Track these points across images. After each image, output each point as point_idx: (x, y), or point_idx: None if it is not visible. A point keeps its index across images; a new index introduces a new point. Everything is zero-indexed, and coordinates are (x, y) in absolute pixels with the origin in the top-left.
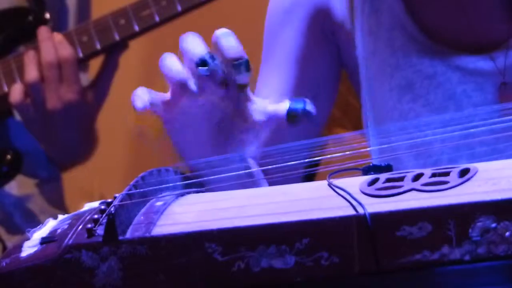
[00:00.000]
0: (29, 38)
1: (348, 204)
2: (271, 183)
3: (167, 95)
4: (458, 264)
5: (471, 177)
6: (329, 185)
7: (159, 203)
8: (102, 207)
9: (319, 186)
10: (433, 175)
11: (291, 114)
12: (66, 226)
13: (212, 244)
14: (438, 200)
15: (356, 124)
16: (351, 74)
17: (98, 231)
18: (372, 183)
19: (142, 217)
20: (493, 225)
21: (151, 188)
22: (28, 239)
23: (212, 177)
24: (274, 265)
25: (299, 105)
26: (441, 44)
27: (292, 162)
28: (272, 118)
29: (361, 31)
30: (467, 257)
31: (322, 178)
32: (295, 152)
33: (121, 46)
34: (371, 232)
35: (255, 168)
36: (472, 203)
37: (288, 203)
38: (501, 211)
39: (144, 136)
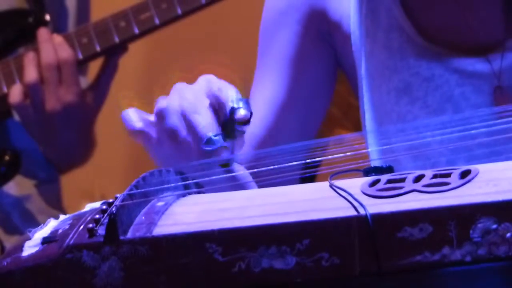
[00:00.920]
0: (29, 39)
1: (349, 205)
2: (269, 185)
3: (151, 117)
4: (459, 265)
5: (472, 178)
6: (331, 186)
7: (160, 204)
8: (104, 207)
9: (320, 187)
10: (434, 176)
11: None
12: (67, 226)
13: (212, 245)
14: (439, 201)
15: (357, 124)
16: (349, 75)
17: (99, 231)
18: (373, 184)
19: (143, 217)
20: (494, 226)
21: (152, 188)
22: (29, 239)
23: (206, 178)
24: (275, 265)
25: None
26: (439, 46)
27: (291, 163)
28: None
29: (359, 33)
30: (468, 258)
31: (323, 179)
32: (295, 153)
33: (121, 48)
34: (372, 233)
35: (240, 172)
36: (473, 204)
37: (289, 204)
38: (502, 212)
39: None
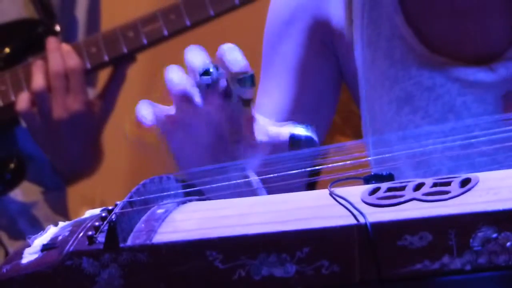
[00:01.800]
0: (39, 49)
1: (349, 213)
2: (273, 191)
3: (170, 109)
4: (458, 274)
5: (472, 187)
6: (330, 194)
7: (160, 211)
8: (103, 214)
9: (320, 195)
10: (434, 184)
11: (294, 141)
12: (67, 233)
13: (213, 252)
14: (439, 209)
15: (357, 131)
16: (350, 85)
17: (99, 239)
18: (373, 192)
19: (143, 225)
20: (494, 235)
21: (152, 195)
22: (28, 245)
23: (210, 186)
24: (275, 273)
25: (302, 133)
26: (441, 55)
27: (294, 171)
28: (274, 141)
29: (360, 42)
30: (467, 267)
31: (323, 186)
32: (297, 160)
33: (129, 58)
34: (372, 241)
35: (253, 178)
36: (473, 213)
37: (289, 212)
38: (502, 221)
39: (141, 143)
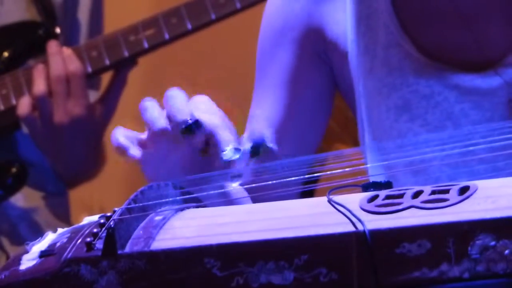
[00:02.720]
0: (39, 52)
1: (348, 220)
2: (268, 199)
3: (143, 135)
4: (457, 282)
5: (471, 195)
6: (329, 201)
7: (158, 218)
8: (102, 221)
9: (318, 202)
10: (433, 192)
11: (253, 151)
12: (65, 240)
13: (211, 259)
14: (438, 217)
15: (355, 139)
16: (345, 93)
17: (97, 245)
18: (371, 199)
19: (141, 232)
20: (492, 243)
21: (150, 202)
22: (27, 252)
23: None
24: (273, 281)
25: (259, 142)
26: (438, 62)
27: (290, 178)
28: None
29: (357, 50)
30: (466, 275)
31: (322, 194)
32: (294, 168)
33: (130, 62)
34: (370, 249)
35: (233, 187)
36: (472, 221)
37: (288, 219)
38: (500, 229)
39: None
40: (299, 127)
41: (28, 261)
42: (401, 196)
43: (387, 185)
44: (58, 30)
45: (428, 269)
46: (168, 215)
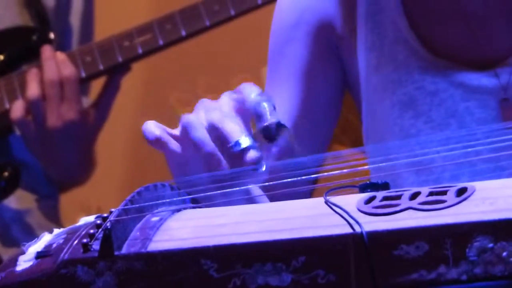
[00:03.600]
0: (33, 57)
1: (345, 222)
2: (276, 199)
3: (176, 132)
4: (455, 284)
5: (468, 196)
6: (326, 202)
7: (155, 219)
8: (98, 221)
9: (316, 204)
10: (430, 193)
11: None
12: (61, 241)
13: (207, 261)
14: (435, 219)
15: (354, 141)
16: (352, 89)
17: (93, 246)
18: (369, 201)
19: (138, 233)
20: (490, 245)
21: (147, 203)
22: (23, 253)
23: (210, 193)
24: (270, 282)
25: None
26: (444, 60)
27: (292, 179)
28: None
29: (364, 46)
30: (464, 277)
31: (320, 195)
32: (297, 168)
33: (124, 68)
34: (368, 251)
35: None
36: (469, 222)
37: (285, 221)
38: (498, 231)
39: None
40: (314, 122)
41: (25, 262)
42: (398, 197)
43: (384, 186)
44: (52, 35)
45: (426, 271)
46: (164, 216)
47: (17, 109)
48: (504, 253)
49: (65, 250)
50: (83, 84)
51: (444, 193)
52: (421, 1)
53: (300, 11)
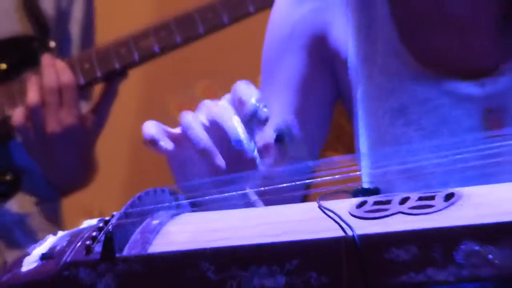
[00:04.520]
0: (34, 64)
1: (337, 226)
2: (268, 203)
3: (175, 131)
4: (443, 285)
5: (456, 201)
6: (319, 207)
7: (155, 222)
8: (100, 224)
9: (309, 208)
10: (419, 198)
11: (279, 137)
12: (65, 243)
13: (205, 263)
14: (424, 223)
15: (348, 147)
16: (345, 99)
17: (96, 249)
18: (360, 205)
19: (138, 236)
20: (477, 248)
21: (147, 207)
22: (28, 254)
23: (210, 197)
24: (266, 284)
25: (284, 128)
26: (434, 70)
27: (290, 183)
28: (264, 148)
29: (357, 57)
30: (451, 279)
31: (313, 200)
32: (294, 175)
33: (121, 74)
34: (359, 254)
35: (250, 190)
36: (457, 227)
37: (279, 224)
38: (484, 235)
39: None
40: (308, 131)
41: (29, 263)
42: (388, 202)
43: (375, 191)
44: (52, 44)
45: (415, 273)
46: (164, 220)
47: (18, 115)
48: (490, 256)
49: (68, 253)
50: (82, 90)
51: (432, 198)
52: (410, 14)
53: (294, 24)
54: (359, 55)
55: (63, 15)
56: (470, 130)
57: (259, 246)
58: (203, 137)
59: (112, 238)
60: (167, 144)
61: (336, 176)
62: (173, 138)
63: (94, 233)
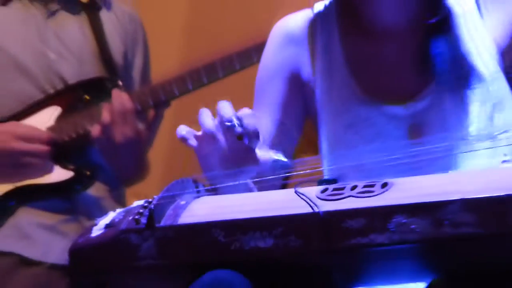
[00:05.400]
0: (107, 96)
1: (308, 205)
2: (261, 190)
3: (200, 132)
4: (381, 246)
5: (389, 188)
6: (296, 192)
7: (182, 202)
8: (145, 204)
9: (289, 193)
10: (364, 186)
11: (276, 163)
12: (121, 217)
13: (217, 230)
14: (368, 203)
15: (315, 151)
16: (312, 116)
17: (142, 220)
18: (324, 191)
19: (171, 211)
20: (404, 220)
21: (177, 192)
22: (96, 225)
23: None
24: (259, 245)
25: (280, 158)
26: (374, 97)
27: (271, 176)
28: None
29: (320, 87)
30: (386, 241)
31: (291, 187)
32: (277, 171)
33: (166, 104)
34: (324, 224)
35: (250, 181)
36: (390, 205)
37: (268, 203)
38: (409, 211)
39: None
40: (288, 137)
41: (97, 230)
42: (343, 188)
43: (334, 181)
44: (120, 83)
45: (362, 237)
46: (189, 201)
47: (95, 130)
48: (413, 226)
49: (123, 223)
50: (139, 114)
51: (373, 185)
52: (357, 59)
53: (278, 62)
54: (323, 86)
55: (128, 63)
56: (398, 138)
57: (254, 219)
58: (207, 122)
59: (153, 213)
60: (192, 141)
61: (307, 171)
62: (196, 137)
63: (141, 210)
